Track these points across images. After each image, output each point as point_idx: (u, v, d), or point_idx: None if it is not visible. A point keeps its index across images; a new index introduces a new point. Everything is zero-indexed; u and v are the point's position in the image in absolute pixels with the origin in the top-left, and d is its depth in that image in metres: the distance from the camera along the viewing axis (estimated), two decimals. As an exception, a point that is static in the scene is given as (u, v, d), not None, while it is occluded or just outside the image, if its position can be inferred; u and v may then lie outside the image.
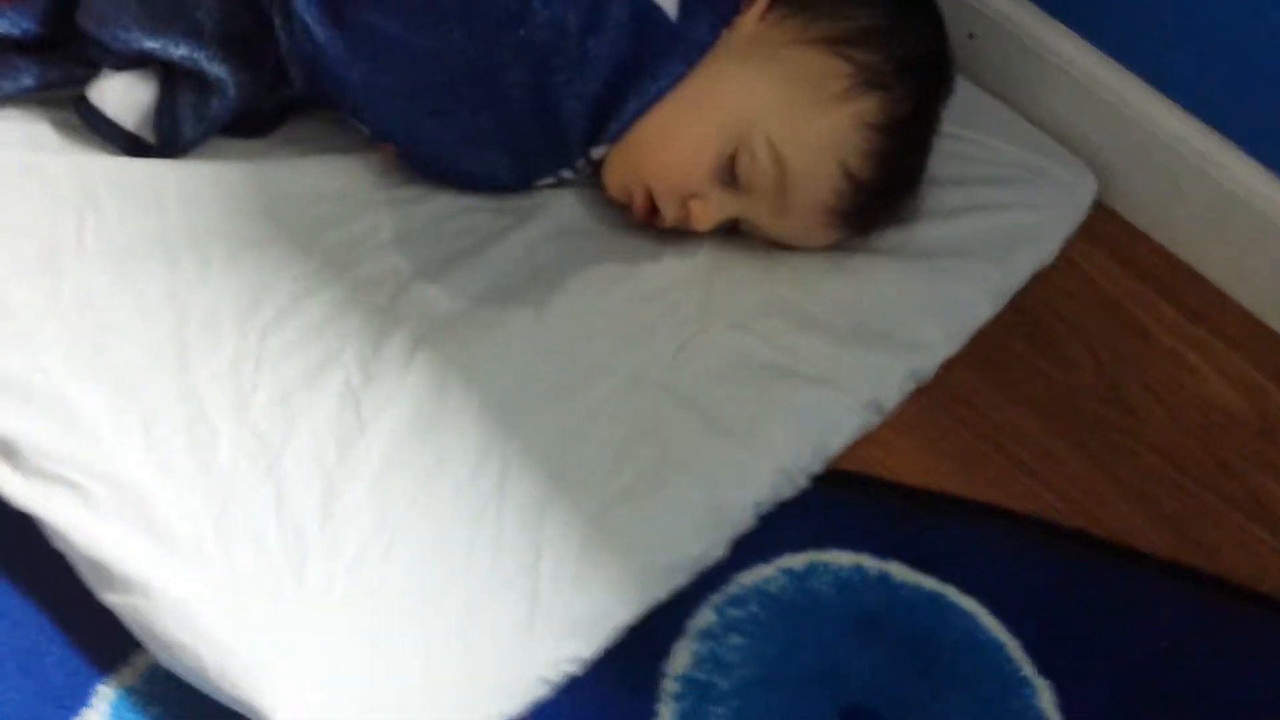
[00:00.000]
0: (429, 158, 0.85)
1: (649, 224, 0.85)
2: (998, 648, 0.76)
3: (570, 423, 0.76)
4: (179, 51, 0.79)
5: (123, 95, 0.81)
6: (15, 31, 0.81)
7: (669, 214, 0.83)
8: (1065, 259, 0.94)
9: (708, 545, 0.74)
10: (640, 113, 0.82)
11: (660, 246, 0.86)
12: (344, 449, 0.71)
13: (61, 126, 0.82)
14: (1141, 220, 0.98)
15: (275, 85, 0.85)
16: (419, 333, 0.78)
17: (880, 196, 0.83)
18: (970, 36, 0.98)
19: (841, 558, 0.78)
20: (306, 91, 0.85)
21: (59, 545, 0.66)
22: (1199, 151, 0.93)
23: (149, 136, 0.82)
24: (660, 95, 0.82)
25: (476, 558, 0.69)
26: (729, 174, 0.81)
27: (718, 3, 0.83)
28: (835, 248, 0.88)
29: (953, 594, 0.78)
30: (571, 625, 0.68)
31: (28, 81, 0.82)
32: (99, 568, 0.65)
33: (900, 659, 0.75)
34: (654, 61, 0.81)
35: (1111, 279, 0.95)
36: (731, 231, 0.87)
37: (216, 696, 0.63)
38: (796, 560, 0.78)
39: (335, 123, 0.87)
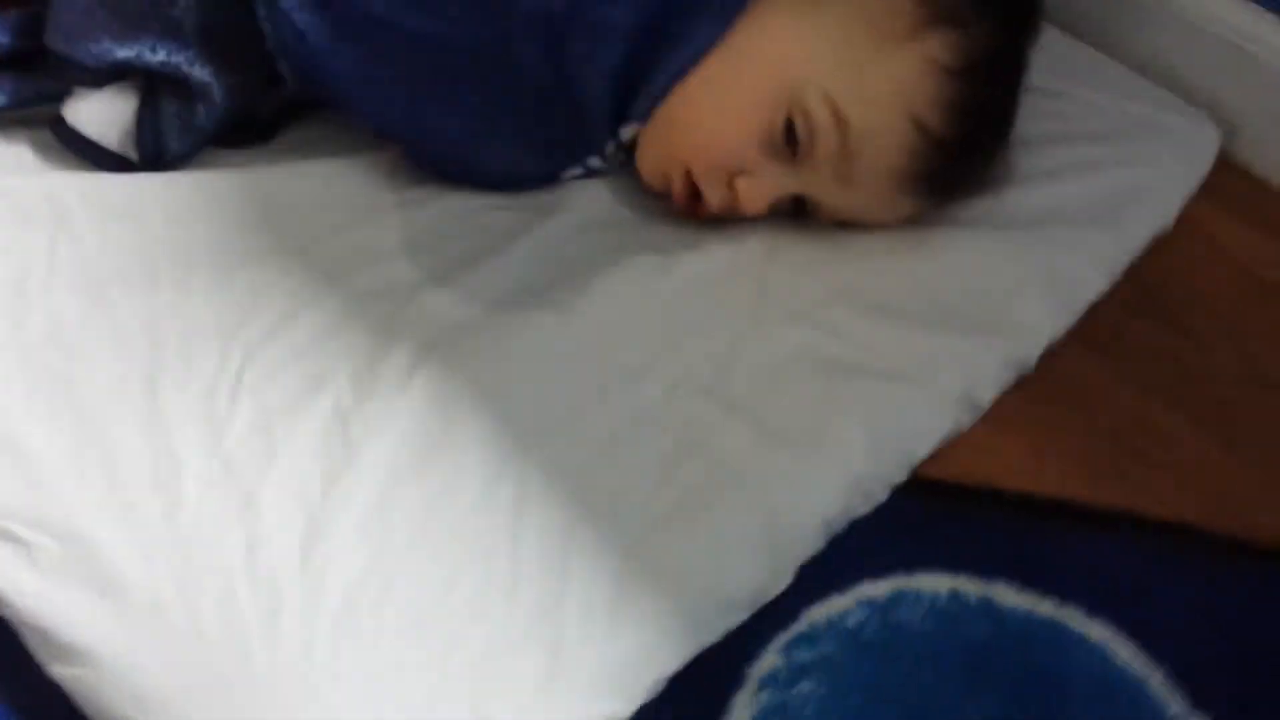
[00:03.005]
0: (438, 156, 0.74)
1: (692, 213, 0.72)
2: (1137, 684, 0.63)
3: (600, 438, 0.64)
4: (157, 57, 0.71)
5: (101, 112, 0.72)
6: (-14, 45, 0.73)
7: (713, 197, 0.71)
8: (1187, 222, 0.81)
9: (768, 574, 0.61)
10: (672, 84, 0.70)
11: (705, 235, 0.74)
12: (330, 482, 0.60)
13: (37, 146, 0.75)
14: (1273, 172, 0.82)
15: (267, 86, 0.75)
16: (423, 345, 0.66)
17: (960, 154, 0.69)
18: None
19: (934, 582, 0.65)
20: (301, 90, 0.75)
21: (2, 612, 0.55)
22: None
23: (131, 152, 0.72)
24: (694, 61, 0.69)
25: (488, 603, 0.57)
26: (780, 144, 0.69)
27: None
28: (911, 224, 0.74)
29: (1076, 620, 0.65)
30: (603, 679, 0.56)
31: (0, 99, 0.73)
32: (43, 634, 0.55)
33: (1017, 703, 0.62)
34: (683, 23, 0.69)
35: (1242, 242, 0.81)
36: (789, 215, 0.73)
37: (171, 786, 0.51)
38: (879, 588, 0.65)
39: (337, 125, 0.77)
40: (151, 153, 0.73)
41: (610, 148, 0.74)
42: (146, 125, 0.72)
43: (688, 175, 0.71)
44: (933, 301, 0.71)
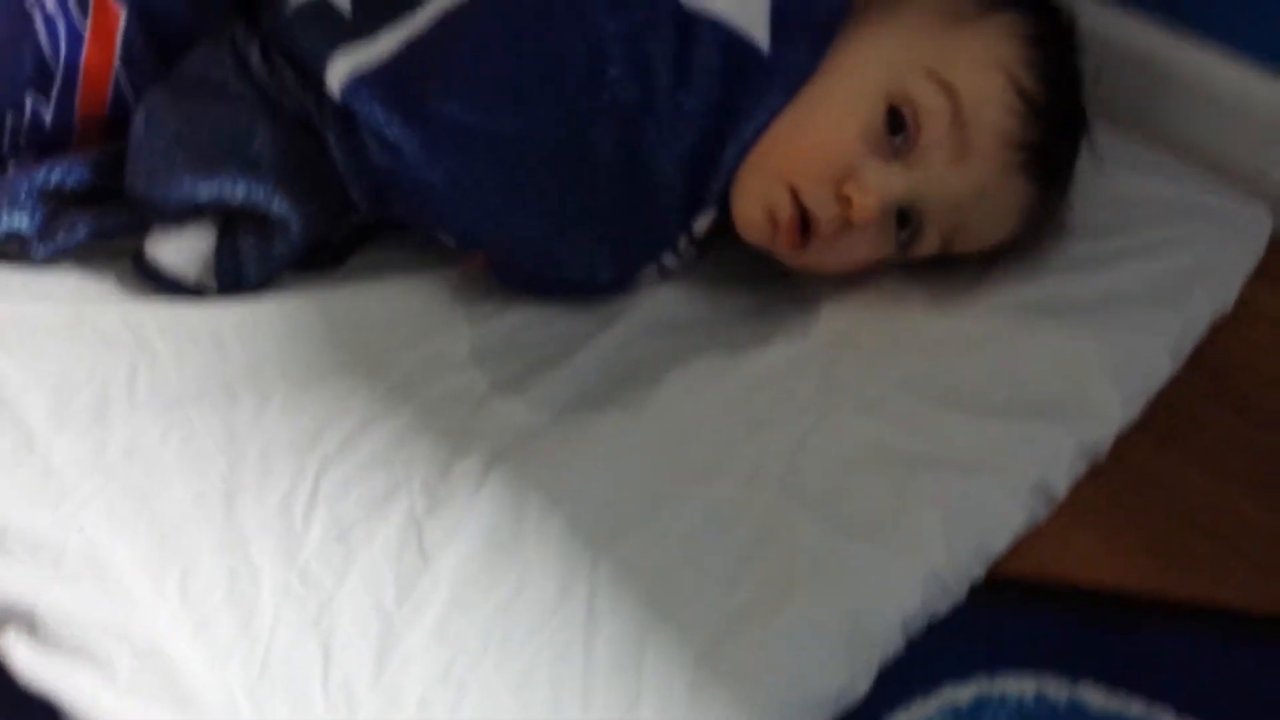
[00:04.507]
0: (521, 260, 0.72)
1: (800, 245, 0.68)
2: (1238, 781, 0.57)
3: (674, 536, 0.61)
4: (238, 193, 0.70)
5: (180, 248, 0.72)
6: (68, 182, 0.74)
7: (824, 213, 0.67)
8: (1244, 304, 0.77)
9: (848, 674, 0.58)
10: (739, 158, 0.69)
11: (768, 331, 0.72)
12: (405, 588, 0.58)
13: (117, 274, 0.74)
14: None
15: (342, 213, 0.74)
16: (494, 451, 0.65)
17: (1056, 124, 0.68)
18: (1097, 75, 0.82)
19: (1019, 685, 0.61)
20: (374, 214, 0.75)
21: (78, 730, 0.54)
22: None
23: (211, 283, 0.73)
24: (758, 134, 0.68)
25: (563, 706, 0.54)
26: (884, 138, 0.67)
27: (812, 19, 0.69)
28: (974, 311, 0.72)
29: (1168, 718, 0.60)
30: (682, 787, 0.52)
31: (82, 233, 0.74)
32: (118, 752, 0.52)
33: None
34: (749, 101, 0.68)
35: (1302, 320, 0.77)
36: (893, 251, 0.70)
37: None
38: (962, 693, 0.61)
39: (404, 247, 0.76)
40: (230, 284, 0.72)
41: (683, 243, 0.72)
42: (225, 258, 0.72)
43: (794, 198, 0.68)
44: (1001, 389, 0.68)
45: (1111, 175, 0.78)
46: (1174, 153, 0.82)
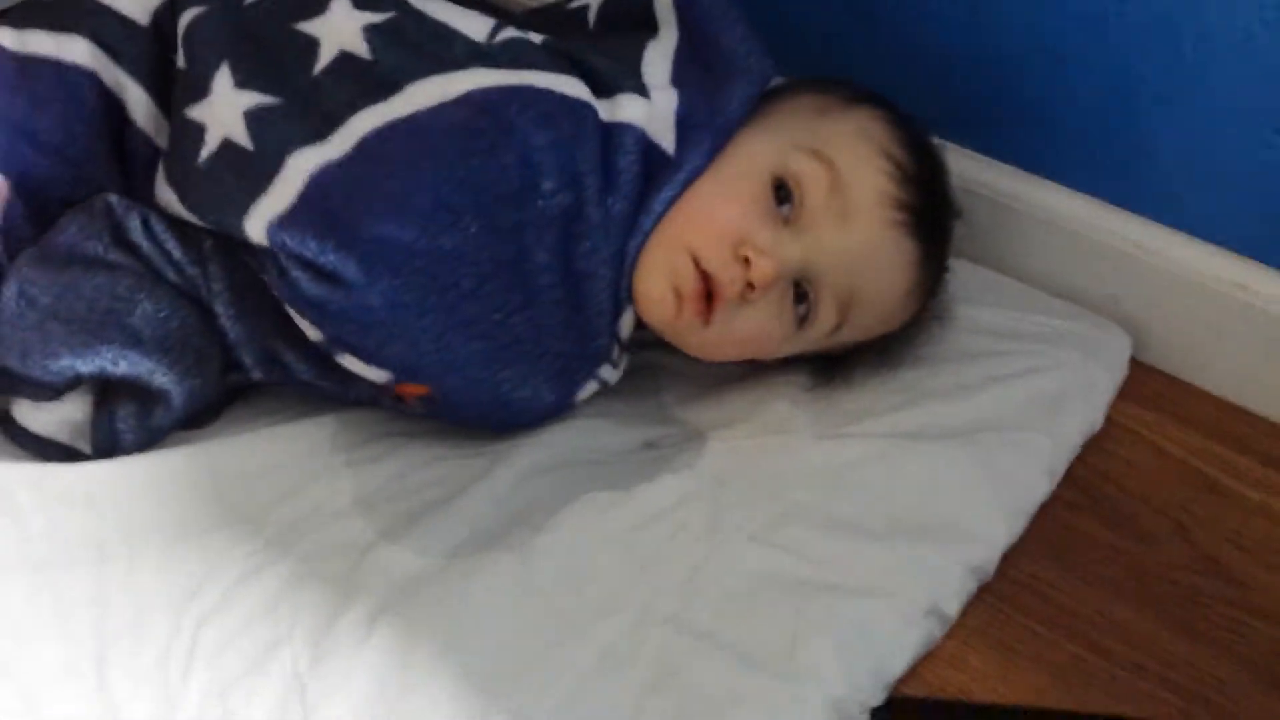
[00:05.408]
0: (463, 389, 0.69)
1: (705, 316, 0.69)
2: None
3: (570, 678, 0.59)
4: (119, 369, 0.67)
5: (52, 416, 0.69)
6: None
7: (726, 275, 0.67)
8: (1111, 422, 0.79)
9: (756, 810, 0.55)
10: (639, 248, 0.70)
11: (654, 468, 0.71)
12: (288, 748, 0.54)
13: (-19, 433, 0.70)
14: (1182, 368, 0.83)
15: (223, 377, 0.72)
16: (381, 599, 0.62)
17: (928, 183, 0.72)
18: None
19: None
20: (266, 378, 0.73)
21: None
22: (1233, 283, 0.79)
23: (84, 447, 0.69)
24: (655, 223, 0.70)
25: None
26: (774, 210, 0.69)
27: (714, 125, 0.71)
28: (854, 439, 0.72)
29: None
30: None
31: (-54, 399, 0.70)
32: None
33: None
34: (655, 196, 0.70)
35: (1167, 436, 0.79)
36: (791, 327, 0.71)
37: None
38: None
39: (277, 399, 0.74)
40: (106, 452, 0.69)
41: (615, 352, 0.72)
42: (102, 428, 0.69)
43: (696, 266, 0.68)
44: (886, 514, 0.68)
45: (977, 307, 0.80)
46: (1033, 284, 0.85)
